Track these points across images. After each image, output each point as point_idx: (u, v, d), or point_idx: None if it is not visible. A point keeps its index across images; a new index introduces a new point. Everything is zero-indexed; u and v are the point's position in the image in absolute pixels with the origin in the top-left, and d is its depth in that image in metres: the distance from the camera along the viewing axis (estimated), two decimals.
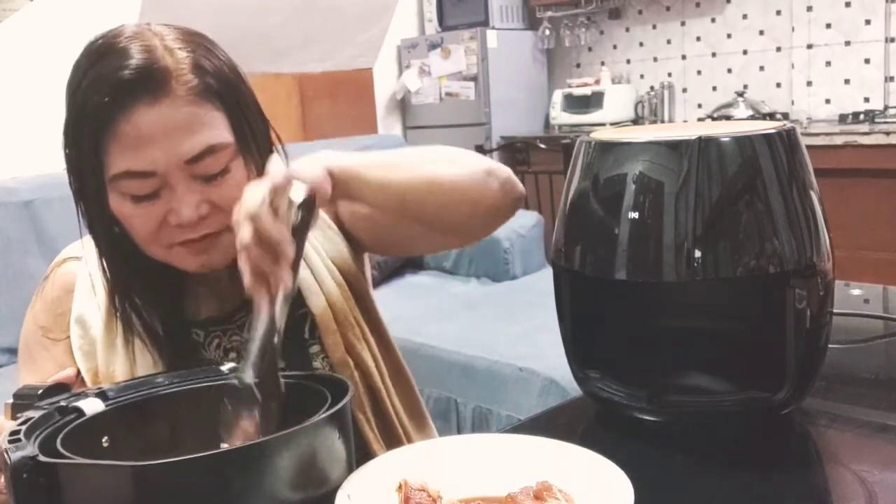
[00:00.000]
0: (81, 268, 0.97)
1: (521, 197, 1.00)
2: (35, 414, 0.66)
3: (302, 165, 0.79)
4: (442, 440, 0.78)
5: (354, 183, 0.84)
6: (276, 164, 0.75)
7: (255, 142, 0.90)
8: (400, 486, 0.68)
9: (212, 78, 0.85)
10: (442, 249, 1.02)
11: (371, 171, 0.87)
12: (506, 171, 0.98)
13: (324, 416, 0.64)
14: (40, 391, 0.70)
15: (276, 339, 0.73)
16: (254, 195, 0.72)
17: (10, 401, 0.70)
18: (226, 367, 0.78)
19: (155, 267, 0.90)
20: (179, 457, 0.58)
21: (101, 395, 0.71)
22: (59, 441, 0.63)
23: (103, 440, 0.69)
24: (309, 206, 0.75)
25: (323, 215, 1.03)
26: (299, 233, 0.74)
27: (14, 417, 0.68)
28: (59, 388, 0.72)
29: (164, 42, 0.84)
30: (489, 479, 0.70)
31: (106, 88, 0.81)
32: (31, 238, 2.34)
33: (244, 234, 0.71)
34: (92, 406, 0.69)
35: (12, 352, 2.26)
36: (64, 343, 0.94)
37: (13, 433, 0.62)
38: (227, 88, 0.86)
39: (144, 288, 0.92)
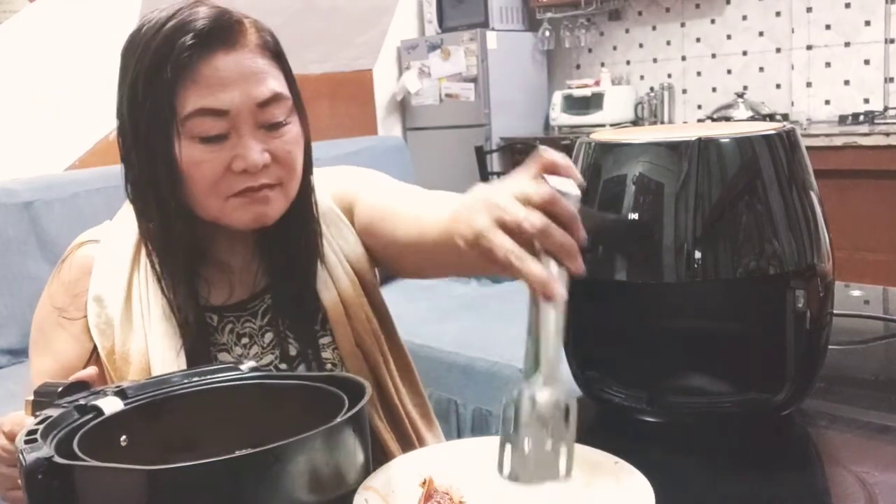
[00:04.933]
0: (99, 250, 0.98)
1: None
2: (54, 412, 0.66)
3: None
4: (459, 442, 0.78)
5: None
6: (551, 152, 0.68)
7: (301, 105, 0.96)
8: (424, 482, 0.68)
9: (270, 38, 0.93)
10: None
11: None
12: None
13: (341, 419, 0.63)
14: (60, 388, 0.70)
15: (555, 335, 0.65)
16: (530, 185, 0.67)
17: (31, 397, 0.70)
18: (245, 366, 0.77)
19: (184, 237, 0.93)
20: (196, 459, 0.58)
21: (120, 393, 0.71)
22: (76, 441, 0.63)
23: (121, 439, 0.69)
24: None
25: (339, 213, 1.05)
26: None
27: (34, 414, 0.68)
28: (78, 385, 0.71)
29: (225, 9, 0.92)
30: (509, 483, 0.69)
31: (189, 33, 0.87)
32: (31, 239, 2.33)
33: (535, 218, 0.64)
34: (111, 405, 0.69)
35: (12, 353, 2.27)
36: (80, 322, 0.96)
37: (30, 433, 0.62)
38: (280, 52, 0.94)
39: (169, 257, 0.94)
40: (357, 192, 1.06)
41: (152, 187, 0.90)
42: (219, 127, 0.87)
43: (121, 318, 0.94)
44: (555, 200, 0.65)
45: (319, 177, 1.05)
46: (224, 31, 0.88)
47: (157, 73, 0.87)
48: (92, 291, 0.96)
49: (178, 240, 0.93)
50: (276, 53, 0.93)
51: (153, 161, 0.89)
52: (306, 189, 0.98)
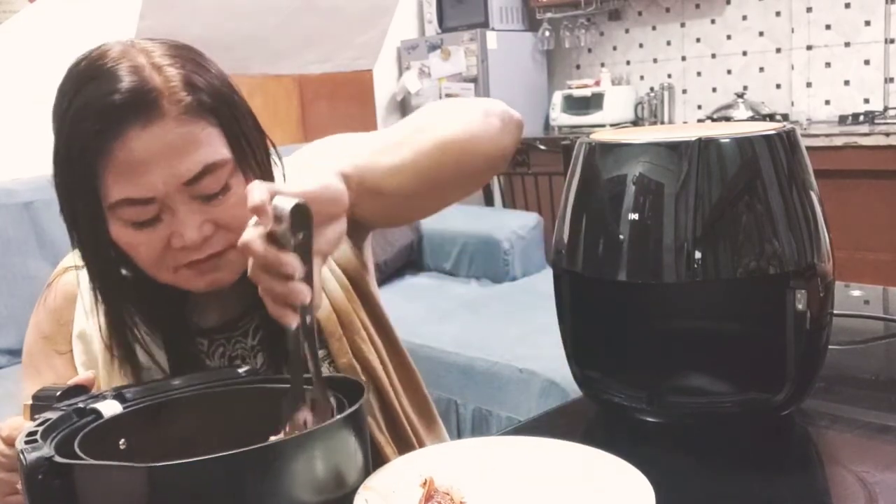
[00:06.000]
0: (82, 279, 0.94)
1: (521, 125, 1.01)
2: (53, 415, 0.66)
3: (299, 178, 0.74)
4: (459, 442, 0.78)
5: (370, 175, 0.83)
6: (256, 188, 0.68)
7: (253, 155, 0.87)
8: (425, 482, 0.68)
9: (204, 94, 0.82)
10: (453, 202, 0.99)
11: (383, 158, 0.85)
12: (500, 105, 0.99)
13: (339, 418, 0.64)
14: (59, 392, 0.70)
15: (308, 349, 0.70)
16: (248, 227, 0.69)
17: (29, 402, 0.71)
18: (243, 370, 0.78)
19: (155, 285, 0.88)
20: (195, 458, 0.58)
21: (119, 397, 0.71)
22: (76, 443, 0.63)
23: (120, 442, 0.69)
24: (303, 216, 0.68)
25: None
26: (302, 244, 0.68)
27: (33, 418, 0.68)
28: (77, 389, 0.72)
29: (152, 60, 0.81)
30: (509, 483, 0.69)
31: (95, 115, 0.78)
32: (31, 239, 2.34)
33: (249, 265, 0.68)
34: (110, 408, 0.69)
35: (12, 353, 2.27)
36: (67, 356, 0.94)
37: (30, 434, 0.62)
38: (220, 103, 0.84)
39: (144, 307, 0.90)
40: None
41: (95, 263, 0.86)
42: (148, 212, 0.81)
43: (103, 357, 0.91)
44: (247, 247, 0.68)
45: (293, 175, 1.03)
46: (137, 105, 0.78)
47: (70, 156, 0.80)
48: (76, 327, 0.93)
49: (127, 298, 0.88)
50: (213, 108, 0.82)
51: (94, 240, 0.84)
52: None
